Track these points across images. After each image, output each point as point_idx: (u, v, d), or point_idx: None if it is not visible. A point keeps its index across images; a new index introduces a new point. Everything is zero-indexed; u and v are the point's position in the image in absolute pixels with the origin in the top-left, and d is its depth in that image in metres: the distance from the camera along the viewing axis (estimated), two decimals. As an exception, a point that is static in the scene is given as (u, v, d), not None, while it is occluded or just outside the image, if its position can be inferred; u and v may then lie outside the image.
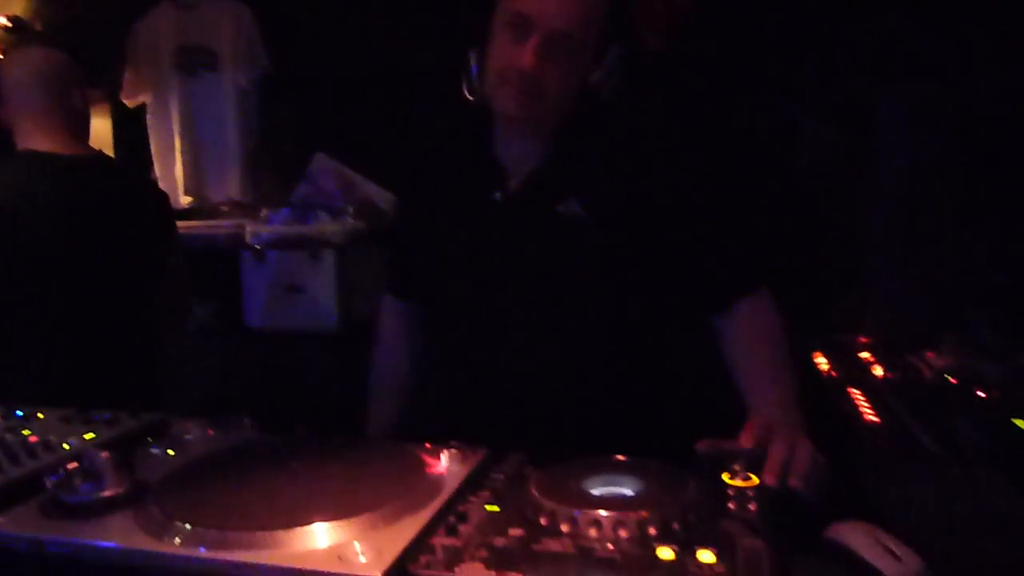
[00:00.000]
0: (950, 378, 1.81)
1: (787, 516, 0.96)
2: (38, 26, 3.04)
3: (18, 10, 3.03)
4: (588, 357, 1.37)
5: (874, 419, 1.60)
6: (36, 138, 1.84)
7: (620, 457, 0.99)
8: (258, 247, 2.61)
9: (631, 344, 1.40)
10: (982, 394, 1.71)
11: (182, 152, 3.01)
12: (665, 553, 0.77)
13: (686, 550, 0.77)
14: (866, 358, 2.08)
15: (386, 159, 2.51)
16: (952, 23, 2.06)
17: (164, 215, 2.05)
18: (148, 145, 3.10)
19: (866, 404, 1.70)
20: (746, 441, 1.06)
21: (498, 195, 1.36)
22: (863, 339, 2.17)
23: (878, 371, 1.93)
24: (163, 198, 2.09)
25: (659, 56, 2.45)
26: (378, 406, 1.55)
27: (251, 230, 2.65)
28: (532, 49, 1.24)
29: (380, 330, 1.59)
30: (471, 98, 1.35)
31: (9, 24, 2.97)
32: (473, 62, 1.34)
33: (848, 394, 1.80)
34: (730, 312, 1.34)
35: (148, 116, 3.08)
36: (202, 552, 0.80)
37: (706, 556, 0.76)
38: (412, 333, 1.55)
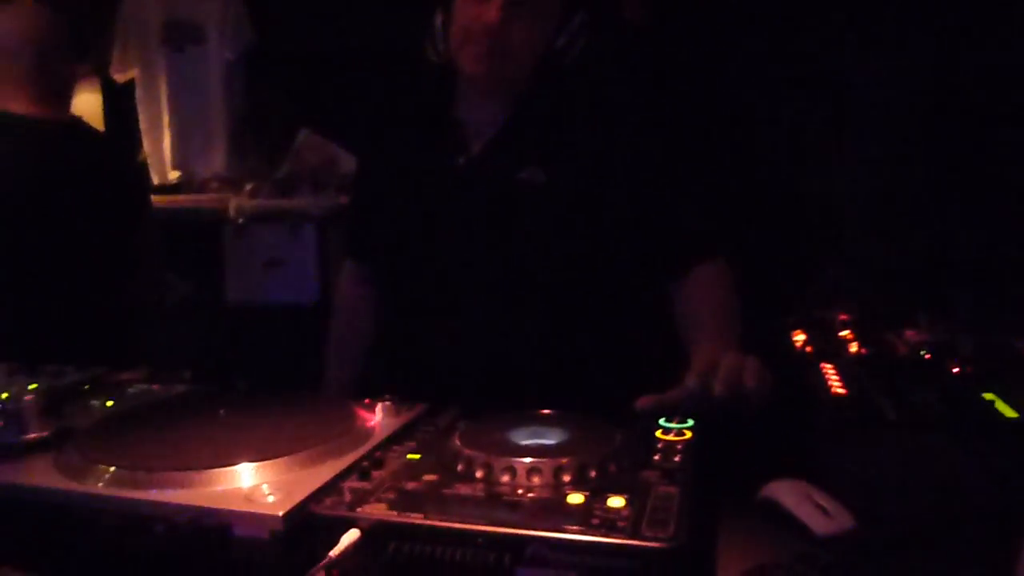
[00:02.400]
0: (925, 354, 1.78)
1: (723, 474, 0.95)
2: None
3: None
4: (545, 321, 1.36)
5: (840, 391, 1.58)
6: (15, 100, 1.82)
7: (548, 411, 0.97)
8: (240, 221, 2.61)
9: (589, 309, 1.39)
10: (955, 369, 1.68)
11: (169, 127, 3.01)
12: (574, 498, 0.76)
13: (597, 496, 0.76)
14: (845, 335, 2.05)
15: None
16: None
17: (137, 185, 2.05)
18: (138, 120, 3.09)
19: (835, 377, 1.68)
20: (690, 379, 1.04)
21: (461, 159, 1.35)
22: (843, 316, 2.15)
23: (853, 347, 1.90)
24: (138, 168, 2.09)
25: (637, 26, 2.43)
26: (337, 368, 1.55)
27: (234, 204, 2.65)
28: (497, 6, 1.24)
29: (340, 294, 1.59)
30: (435, 59, 1.34)
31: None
32: (438, 23, 1.33)
33: (819, 369, 1.77)
34: (686, 277, 1.33)
35: (137, 91, 3.07)
36: (101, 488, 0.79)
37: (616, 502, 0.75)
38: (371, 298, 1.54)
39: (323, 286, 2.57)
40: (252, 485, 0.80)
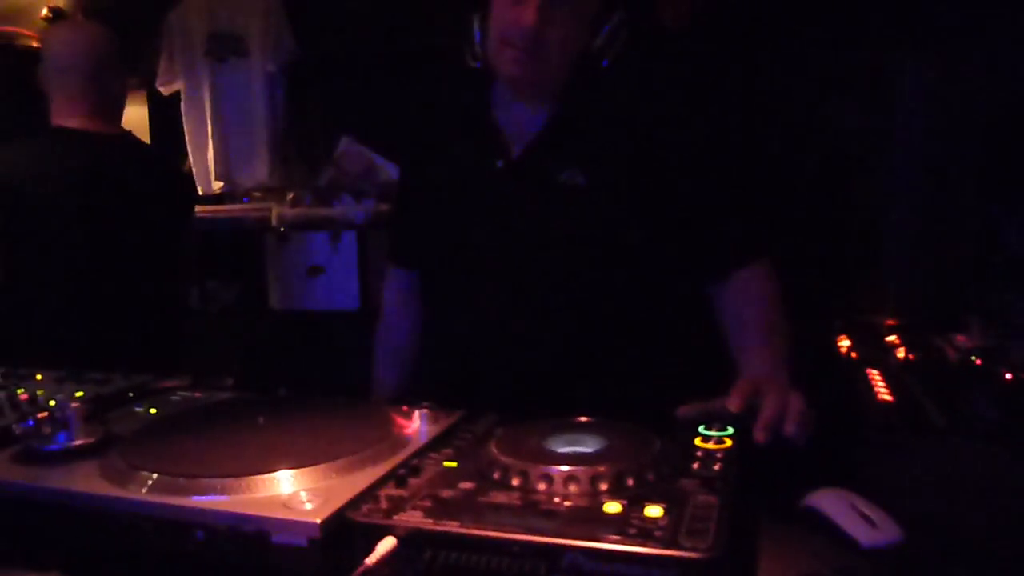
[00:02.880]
0: (976, 359, 1.74)
1: (765, 483, 0.93)
2: (78, 17, 3.13)
3: (60, 1, 3.12)
4: (587, 324, 1.35)
5: (887, 397, 1.54)
6: (68, 115, 1.87)
7: (586, 418, 0.96)
8: (282, 229, 2.64)
9: (629, 311, 1.37)
10: (1008, 375, 1.63)
11: (213, 138, 3.07)
12: (611, 507, 0.75)
13: (635, 505, 0.75)
14: (891, 341, 2.01)
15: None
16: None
17: (185, 197, 2.10)
18: (183, 132, 3.16)
19: (882, 384, 1.64)
20: (733, 404, 1.03)
21: (500, 163, 1.35)
22: (890, 322, 2.10)
23: (900, 353, 1.86)
24: (186, 181, 2.13)
25: (677, 32, 2.41)
26: (383, 376, 1.55)
27: (276, 213, 2.69)
28: (534, 8, 1.22)
29: (385, 301, 1.60)
30: (474, 64, 1.34)
31: (51, 15, 3.06)
32: (475, 27, 1.33)
33: (866, 375, 1.74)
34: (727, 280, 1.31)
35: (182, 104, 3.14)
36: (144, 495, 0.80)
37: (653, 511, 0.74)
38: (416, 303, 1.55)
39: (363, 293, 2.59)
40: (290, 492, 0.80)
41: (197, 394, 1.19)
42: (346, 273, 2.59)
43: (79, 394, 1.16)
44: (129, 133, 2.06)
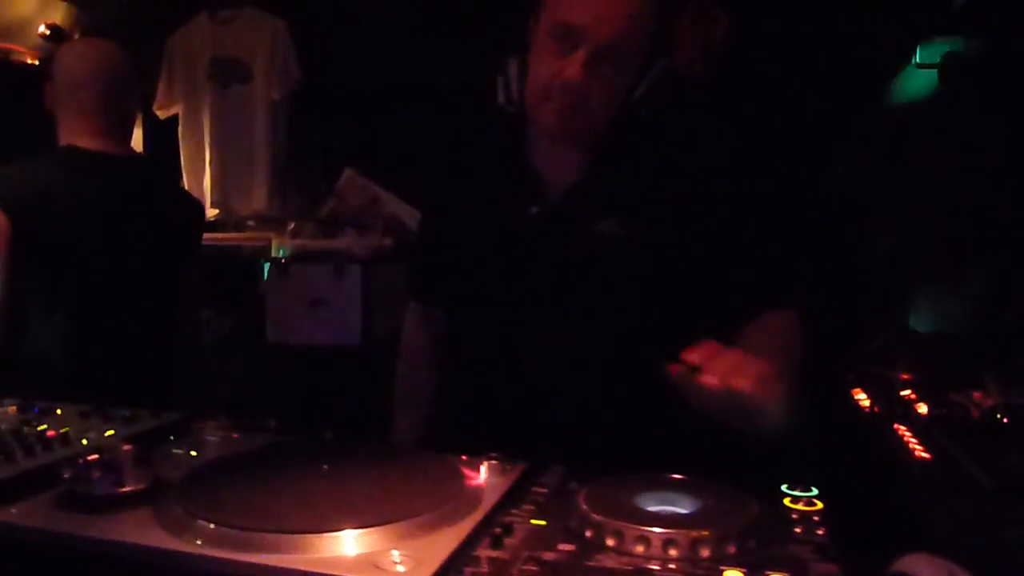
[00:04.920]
0: (1002, 417, 1.73)
1: (850, 545, 0.90)
2: (76, 35, 3.05)
3: (57, 19, 3.04)
4: (617, 372, 1.31)
5: (924, 455, 1.52)
6: (80, 135, 1.79)
7: (671, 475, 0.92)
8: (283, 260, 2.57)
9: (661, 361, 1.34)
10: (1037, 434, 1.63)
11: (211, 164, 3.00)
12: (733, 575, 0.71)
13: (756, 573, 0.71)
14: (907, 395, 2.00)
15: (414, 176, 2.48)
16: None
17: (195, 223, 2.03)
18: (178, 156, 3.09)
19: (914, 440, 1.62)
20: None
21: (535, 209, 1.32)
22: (905, 376, 2.09)
23: (922, 408, 1.84)
24: (196, 207, 2.07)
25: (696, 82, 2.42)
26: (403, 414, 1.50)
27: (277, 243, 2.62)
28: (580, 63, 1.19)
29: (405, 339, 1.55)
30: (509, 109, 1.30)
31: (48, 32, 2.98)
32: (512, 72, 1.30)
33: (894, 430, 1.72)
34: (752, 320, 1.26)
35: (180, 127, 3.07)
36: (228, 553, 0.74)
37: (780, 581, 0.70)
38: (435, 343, 1.50)
39: (365, 329, 2.52)
40: (372, 551, 0.75)
41: (235, 435, 1.12)
42: (348, 308, 2.52)
43: (109, 432, 1.09)
44: (141, 156, 1.99)
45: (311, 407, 2.40)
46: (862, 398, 2.03)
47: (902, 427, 1.72)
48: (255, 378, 2.59)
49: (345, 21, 2.89)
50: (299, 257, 2.60)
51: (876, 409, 1.90)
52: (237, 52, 2.96)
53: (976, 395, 1.93)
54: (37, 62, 2.99)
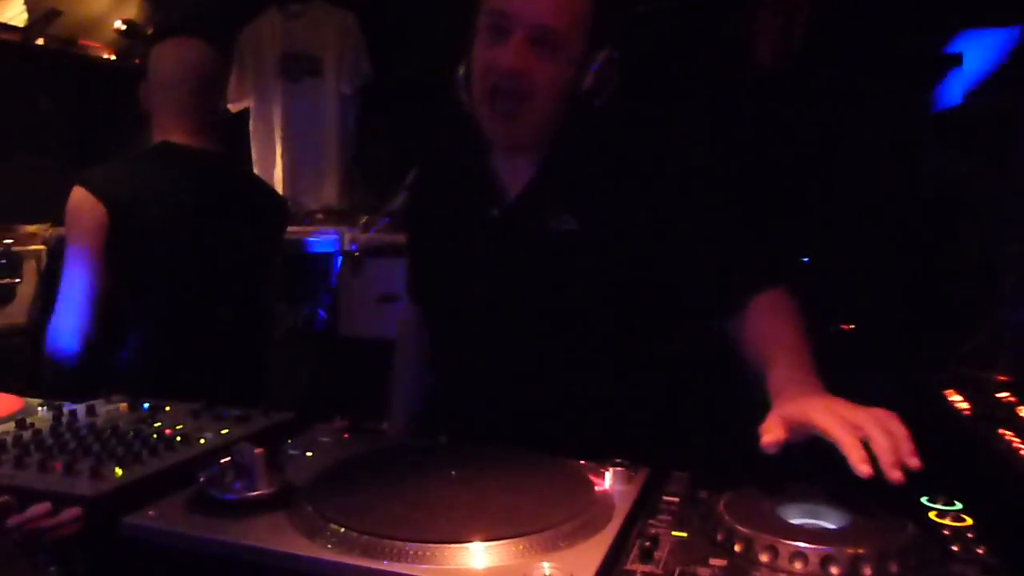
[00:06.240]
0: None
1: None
2: (150, 30, 3.10)
3: (132, 14, 3.09)
4: (581, 365, 1.30)
5: (1038, 461, 1.46)
6: (175, 131, 1.82)
7: (811, 486, 0.89)
8: (356, 254, 2.58)
9: (630, 351, 1.33)
10: None
11: (282, 157, 3.02)
12: (908, 598, 0.67)
13: (929, 595, 0.67)
14: (1006, 398, 1.92)
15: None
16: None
17: (282, 219, 2.05)
18: (249, 150, 3.11)
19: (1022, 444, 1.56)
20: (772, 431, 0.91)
21: (495, 211, 1.31)
22: (1001, 378, 2.01)
23: (1025, 411, 1.77)
24: (283, 203, 2.09)
25: (771, 72, 2.36)
26: (395, 398, 1.56)
27: (350, 237, 2.63)
28: (514, 47, 1.17)
29: (399, 331, 1.61)
30: (463, 110, 1.28)
31: (124, 27, 3.03)
32: (460, 73, 1.27)
33: (999, 435, 1.65)
34: (744, 310, 1.20)
35: (251, 121, 3.10)
36: (385, 565, 0.73)
37: (956, 604, 0.66)
38: (423, 339, 1.51)
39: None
40: (518, 562, 0.73)
41: (346, 435, 1.12)
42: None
43: (224, 431, 1.09)
44: (230, 152, 2.01)
45: (379, 399, 2.41)
46: (957, 400, 1.96)
47: (1008, 432, 1.65)
48: (328, 371, 2.60)
49: (416, 15, 2.88)
50: (370, 251, 2.60)
51: (974, 413, 1.83)
52: (307, 46, 2.97)
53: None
54: (114, 56, 3.04)
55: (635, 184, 1.26)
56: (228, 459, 0.86)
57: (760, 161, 2.37)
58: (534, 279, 1.29)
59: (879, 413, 0.88)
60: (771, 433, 0.91)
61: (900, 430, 0.85)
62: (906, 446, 0.83)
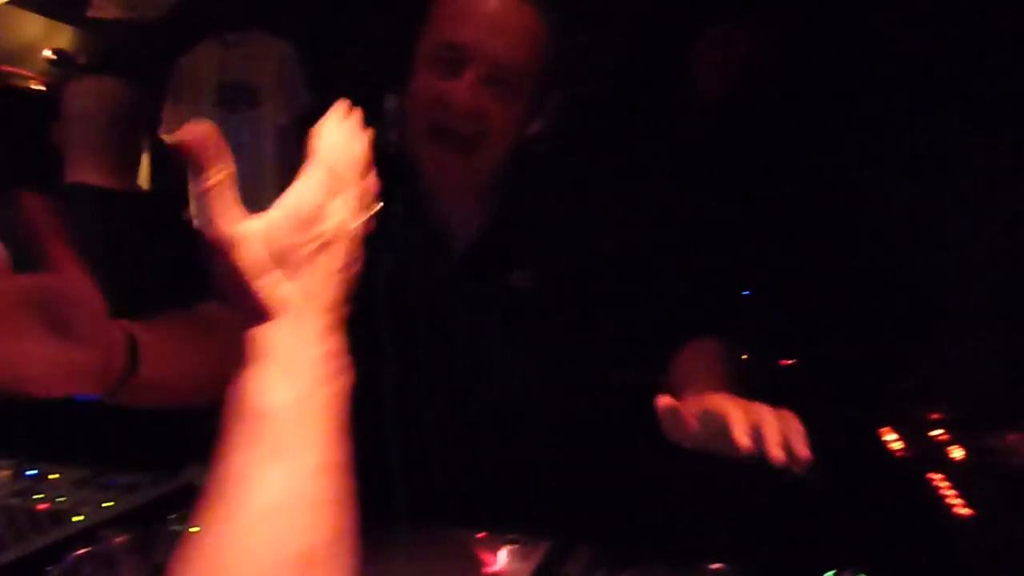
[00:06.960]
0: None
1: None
2: (81, 59, 3.02)
3: (63, 43, 3.01)
4: (542, 419, 1.24)
5: (963, 511, 1.45)
6: (88, 171, 1.75)
7: (714, 565, 0.85)
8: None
9: (587, 404, 1.27)
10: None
11: (219, 189, 2.95)
12: None
13: None
14: (939, 436, 1.92)
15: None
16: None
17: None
18: (184, 181, 3.03)
19: (951, 492, 1.55)
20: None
21: (443, 267, 1.22)
22: (934, 415, 2.01)
23: (957, 453, 1.77)
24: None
25: (713, 105, 2.35)
26: None
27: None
28: (469, 83, 1.07)
29: None
30: (391, 152, 1.16)
31: (54, 56, 2.94)
32: (390, 107, 1.20)
33: (927, 480, 1.65)
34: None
35: (187, 152, 3.02)
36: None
37: None
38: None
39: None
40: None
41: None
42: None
43: (108, 504, 1.02)
44: (147, 191, 1.95)
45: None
46: (892, 439, 1.95)
47: (937, 476, 1.65)
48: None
49: (355, 44, 2.84)
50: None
51: (908, 454, 1.82)
52: (244, 76, 2.91)
53: (1011, 437, 1.85)
54: (44, 88, 2.95)
55: (585, 231, 1.20)
56: (86, 549, 0.80)
57: (707, 197, 2.35)
58: (492, 338, 1.20)
59: (779, 409, 0.84)
60: (666, 399, 0.87)
61: (795, 424, 0.82)
62: (797, 436, 0.80)
